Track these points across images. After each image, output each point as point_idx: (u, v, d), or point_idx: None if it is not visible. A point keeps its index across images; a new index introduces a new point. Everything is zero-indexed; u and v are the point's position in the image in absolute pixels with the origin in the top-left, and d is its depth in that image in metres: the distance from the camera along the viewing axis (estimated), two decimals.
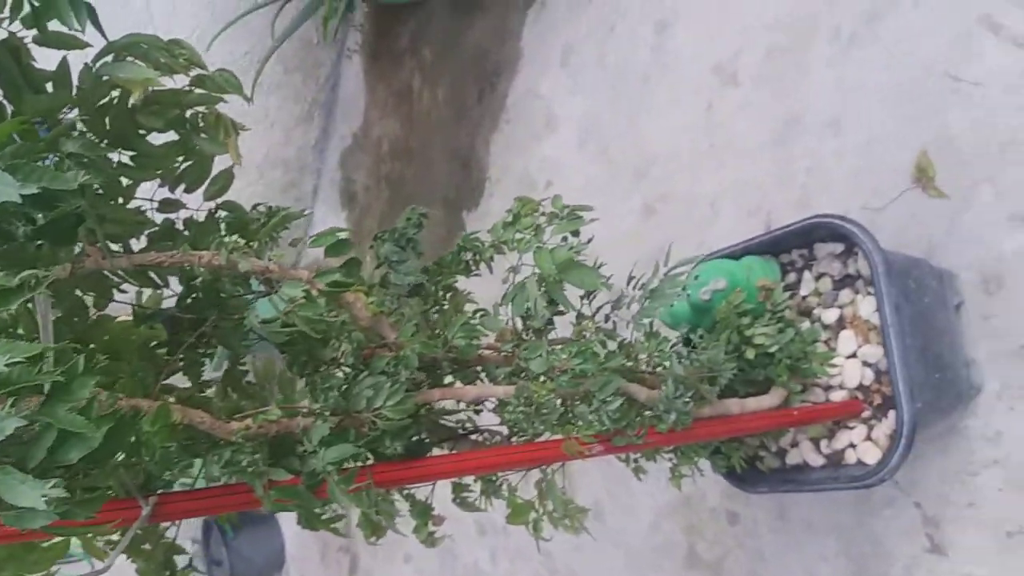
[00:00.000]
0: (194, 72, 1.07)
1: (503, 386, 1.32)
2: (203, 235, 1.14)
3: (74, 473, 0.83)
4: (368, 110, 3.98)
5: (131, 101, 1.03)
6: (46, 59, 1.04)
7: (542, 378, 1.29)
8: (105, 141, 1.00)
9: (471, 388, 1.33)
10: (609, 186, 2.58)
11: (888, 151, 1.81)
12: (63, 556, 0.99)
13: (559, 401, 1.31)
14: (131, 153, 1.05)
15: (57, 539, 0.99)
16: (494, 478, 1.36)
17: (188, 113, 1.10)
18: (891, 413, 1.53)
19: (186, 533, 4.60)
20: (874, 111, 1.84)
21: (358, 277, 1.07)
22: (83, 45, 0.98)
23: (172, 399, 1.05)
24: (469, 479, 1.38)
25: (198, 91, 1.07)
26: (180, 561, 1.26)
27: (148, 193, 1.18)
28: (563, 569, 2.70)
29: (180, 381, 1.27)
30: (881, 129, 1.83)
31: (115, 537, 1.08)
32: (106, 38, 0.99)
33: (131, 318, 1.16)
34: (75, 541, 1.08)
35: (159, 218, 1.19)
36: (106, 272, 1.08)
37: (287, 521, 4.39)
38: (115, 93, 1.01)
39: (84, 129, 0.98)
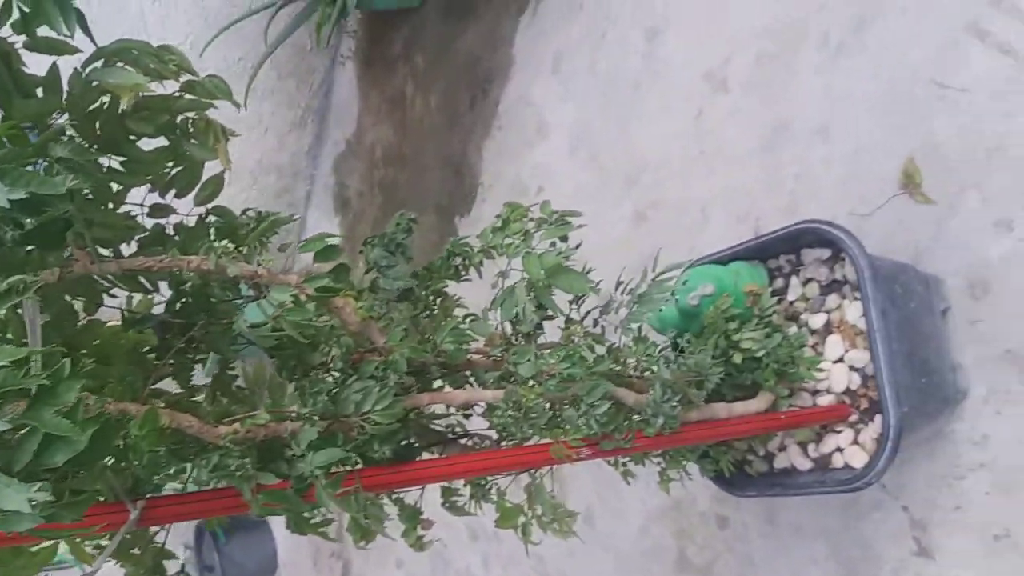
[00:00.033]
0: (184, 78, 1.08)
1: (492, 390, 1.32)
2: (193, 240, 1.14)
3: (61, 476, 0.83)
4: (361, 116, 4.00)
5: (121, 106, 1.04)
6: (38, 65, 1.05)
7: (531, 382, 1.30)
8: (95, 146, 1.00)
9: (460, 392, 1.34)
10: (601, 192, 2.59)
11: (875, 158, 1.82)
12: (51, 560, 0.99)
13: (547, 405, 1.31)
14: (121, 158, 1.06)
15: (45, 543, 1.00)
16: (483, 482, 1.36)
17: (178, 119, 1.10)
18: (878, 417, 1.54)
19: (178, 539, 4.59)
20: (862, 118, 1.86)
21: (347, 282, 1.08)
22: (73, 51, 0.98)
23: (161, 403, 1.05)
24: (459, 483, 1.38)
25: (188, 97, 1.08)
26: (172, 567, 1.26)
27: (139, 198, 1.19)
28: (555, 573, 2.70)
29: (172, 387, 1.27)
30: (869, 136, 1.85)
31: (104, 542, 1.09)
32: (95, 43, 1.00)
33: (120, 323, 1.16)
34: (67, 547, 1.08)
35: (150, 223, 1.20)
36: (95, 277, 1.08)
37: (279, 526, 4.39)
38: (105, 98, 1.02)
39: (74, 134, 0.99)
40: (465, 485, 1.38)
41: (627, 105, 2.52)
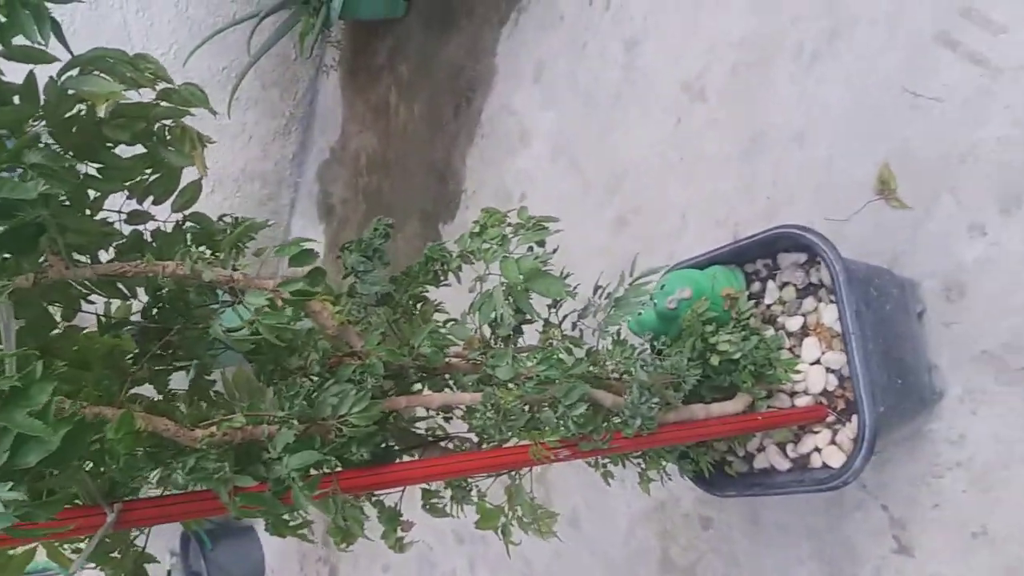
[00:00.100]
0: (161, 86, 1.09)
1: (471, 393, 1.34)
2: (170, 246, 1.15)
3: (36, 477, 0.83)
4: (345, 124, 4.01)
5: (99, 114, 1.05)
6: (16, 73, 1.05)
7: (509, 385, 1.31)
8: (71, 153, 1.01)
9: (438, 395, 1.35)
10: (583, 199, 2.62)
11: (851, 164, 1.85)
12: (28, 563, 1.00)
13: (526, 407, 1.33)
14: (98, 165, 1.07)
15: (24, 547, 1.00)
16: (464, 484, 1.37)
17: (155, 126, 1.11)
18: (854, 417, 1.56)
19: (165, 545, 4.57)
20: (837, 125, 1.89)
21: (323, 285, 1.09)
22: (50, 59, 0.99)
23: (138, 407, 1.06)
24: (439, 486, 1.39)
25: (164, 104, 1.09)
26: (153, 571, 1.26)
27: (118, 205, 1.20)
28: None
29: (153, 392, 1.27)
30: (844, 143, 1.87)
31: (83, 545, 1.09)
32: (71, 52, 1.01)
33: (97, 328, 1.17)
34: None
35: (128, 230, 1.20)
36: (72, 283, 1.09)
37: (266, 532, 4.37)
38: (82, 106, 1.03)
39: (50, 141, 0.99)
40: (446, 487, 1.39)
41: (608, 114, 2.54)
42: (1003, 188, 1.59)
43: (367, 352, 1.22)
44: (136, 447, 0.97)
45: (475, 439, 1.42)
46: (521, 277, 1.29)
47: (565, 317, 1.48)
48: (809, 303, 1.67)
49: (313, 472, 1.11)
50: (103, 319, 1.19)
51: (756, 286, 1.75)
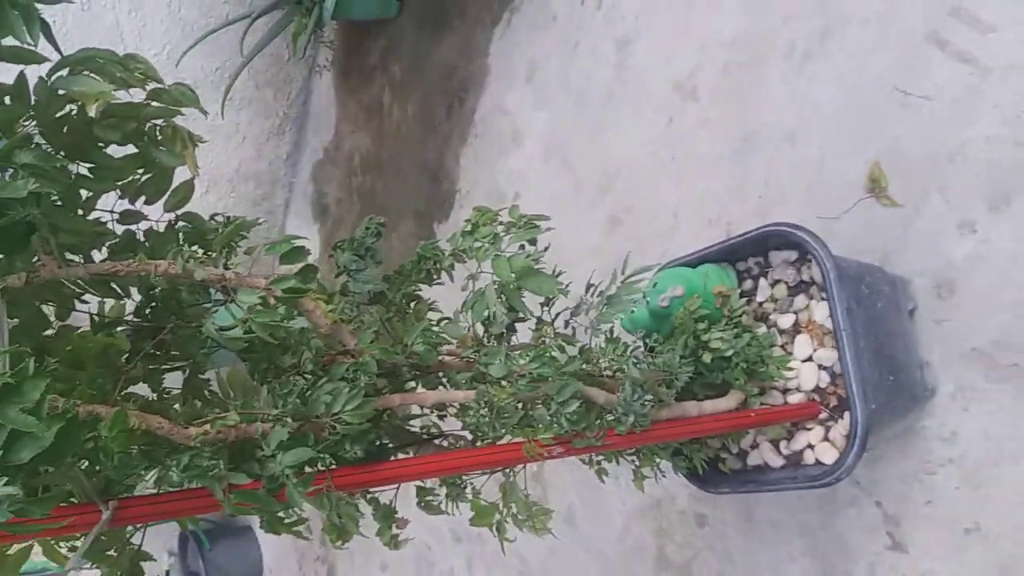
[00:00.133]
0: (151, 86, 1.09)
1: (464, 391, 1.34)
2: (162, 245, 1.16)
3: (31, 473, 0.84)
4: (339, 124, 4.02)
5: (90, 114, 1.05)
6: (6, 74, 1.06)
7: (502, 382, 1.32)
8: (62, 153, 1.01)
9: (431, 393, 1.35)
10: (575, 198, 2.62)
11: (842, 162, 1.86)
12: (25, 560, 1.00)
13: (519, 405, 1.33)
14: (89, 165, 1.07)
15: (19, 545, 1.00)
16: (459, 481, 1.37)
17: (146, 126, 1.12)
18: (847, 414, 1.57)
19: (163, 545, 4.57)
20: (829, 124, 1.90)
21: (314, 283, 1.09)
22: (40, 59, 0.99)
23: (132, 405, 1.06)
24: (434, 483, 1.39)
25: (155, 104, 1.09)
26: (150, 569, 1.26)
27: (111, 205, 1.20)
28: (538, 574, 2.71)
29: (148, 391, 1.28)
30: (835, 141, 1.88)
31: (79, 543, 1.09)
32: (60, 53, 1.01)
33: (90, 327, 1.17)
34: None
35: (121, 229, 1.21)
36: (65, 282, 1.09)
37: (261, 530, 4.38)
38: (72, 106, 1.03)
39: (42, 141, 1.00)
40: (441, 485, 1.39)
41: (600, 113, 2.55)
42: (992, 186, 1.60)
43: (360, 350, 1.22)
44: (130, 445, 0.97)
45: (469, 437, 1.42)
46: (513, 275, 1.30)
47: (558, 315, 1.49)
48: (801, 300, 1.68)
49: (307, 469, 1.12)
50: (97, 318, 1.19)
51: (748, 284, 1.76)
